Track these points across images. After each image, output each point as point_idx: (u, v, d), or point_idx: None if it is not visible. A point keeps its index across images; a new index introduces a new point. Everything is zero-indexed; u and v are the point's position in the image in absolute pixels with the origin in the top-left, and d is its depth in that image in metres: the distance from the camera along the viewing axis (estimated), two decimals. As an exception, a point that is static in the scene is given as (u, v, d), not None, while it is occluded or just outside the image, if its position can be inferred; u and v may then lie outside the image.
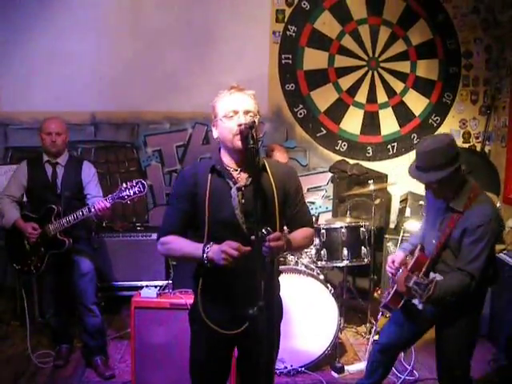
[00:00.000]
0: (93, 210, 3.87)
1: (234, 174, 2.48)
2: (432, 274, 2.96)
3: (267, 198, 2.43)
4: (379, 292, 5.72)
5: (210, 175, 2.48)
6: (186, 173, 2.59)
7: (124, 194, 3.85)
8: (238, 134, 2.34)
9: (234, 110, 2.39)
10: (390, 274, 3.37)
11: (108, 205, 3.86)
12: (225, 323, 2.50)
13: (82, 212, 3.92)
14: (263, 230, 2.20)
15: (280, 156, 4.81)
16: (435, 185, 2.96)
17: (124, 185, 3.86)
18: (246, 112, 2.39)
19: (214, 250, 2.30)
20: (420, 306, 2.96)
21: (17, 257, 4.20)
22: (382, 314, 4.41)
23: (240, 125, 2.33)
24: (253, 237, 2.20)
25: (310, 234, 2.68)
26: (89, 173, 4.32)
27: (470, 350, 3.15)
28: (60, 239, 4.05)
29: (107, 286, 5.29)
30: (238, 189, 2.43)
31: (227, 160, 2.50)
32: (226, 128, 2.40)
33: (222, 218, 2.43)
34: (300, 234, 2.59)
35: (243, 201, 2.42)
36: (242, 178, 2.47)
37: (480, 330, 3.16)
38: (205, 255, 2.31)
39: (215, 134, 2.52)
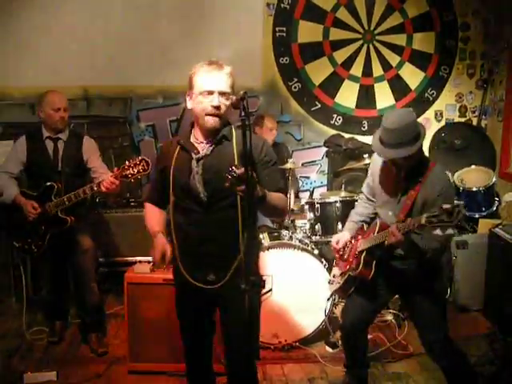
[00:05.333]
0: (103, 188, 3.77)
1: (199, 146, 2.62)
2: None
3: (226, 167, 2.32)
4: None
5: (178, 147, 2.67)
6: (162, 146, 2.89)
7: (128, 172, 3.71)
8: (210, 114, 2.49)
9: (209, 90, 2.48)
10: (335, 254, 3.48)
11: (117, 182, 3.75)
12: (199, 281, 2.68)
13: (92, 188, 3.85)
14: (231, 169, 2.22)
15: (269, 123, 5.08)
16: (403, 160, 3.00)
17: (127, 163, 3.73)
18: (222, 93, 2.48)
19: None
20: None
21: (17, 235, 4.13)
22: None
23: (214, 107, 2.47)
24: (235, 172, 2.22)
25: (283, 197, 2.70)
26: (90, 147, 4.27)
27: (439, 315, 3.17)
28: (61, 218, 3.99)
29: (101, 261, 5.26)
30: (198, 159, 2.59)
31: (197, 132, 2.65)
32: (200, 105, 2.52)
33: (183, 187, 2.61)
34: (274, 194, 2.56)
35: (201, 171, 2.57)
36: (203, 148, 2.61)
37: (447, 294, 3.23)
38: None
39: (189, 104, 2.62)
